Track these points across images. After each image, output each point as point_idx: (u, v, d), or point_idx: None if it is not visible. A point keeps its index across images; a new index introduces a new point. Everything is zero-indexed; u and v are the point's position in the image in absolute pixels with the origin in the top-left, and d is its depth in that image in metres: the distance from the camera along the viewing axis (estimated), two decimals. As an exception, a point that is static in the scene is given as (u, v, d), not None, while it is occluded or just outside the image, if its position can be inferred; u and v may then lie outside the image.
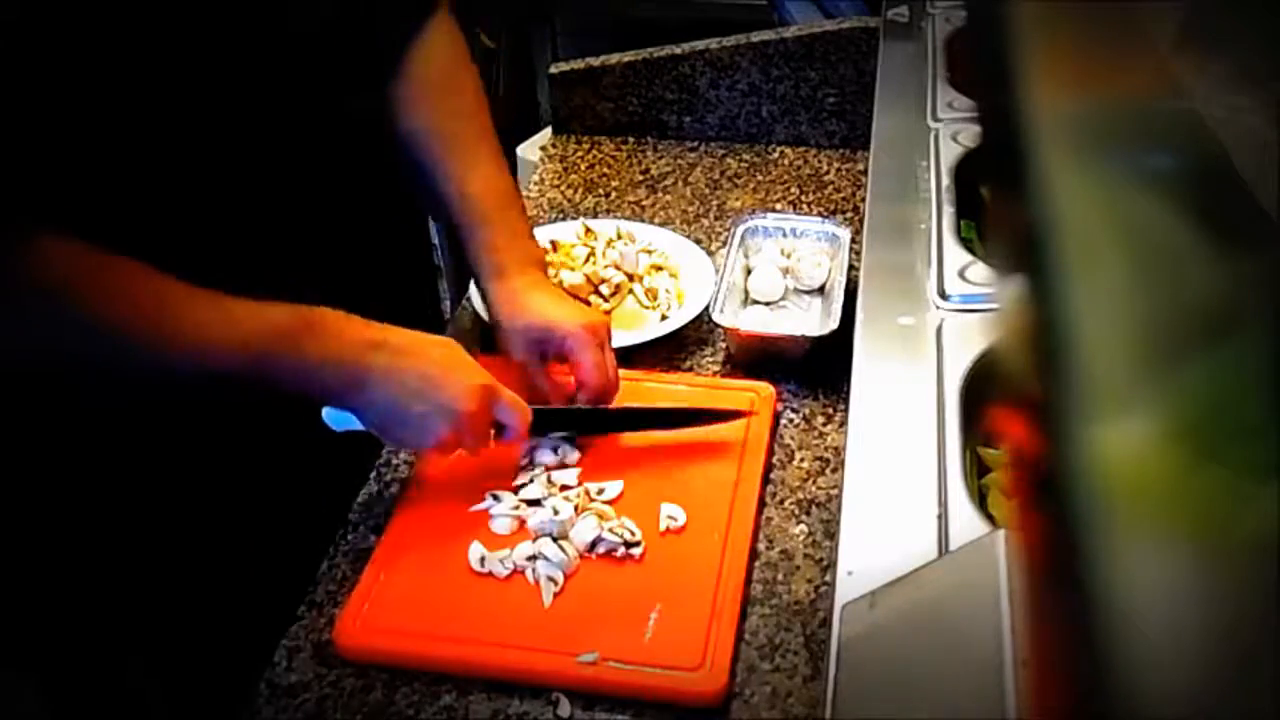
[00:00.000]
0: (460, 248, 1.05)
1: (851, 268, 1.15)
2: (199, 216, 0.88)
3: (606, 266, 1.19)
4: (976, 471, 0.85)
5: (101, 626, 0.97)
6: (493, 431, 0.94)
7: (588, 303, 1.17)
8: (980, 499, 0.82)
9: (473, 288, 1.21)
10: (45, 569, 0.97)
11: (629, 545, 0.91)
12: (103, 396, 0.89)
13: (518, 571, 0.90)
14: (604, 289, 1.17)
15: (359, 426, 0.90)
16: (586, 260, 1.20)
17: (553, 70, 1.56)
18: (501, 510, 0.95)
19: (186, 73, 0.82)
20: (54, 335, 0.80)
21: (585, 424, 1.01)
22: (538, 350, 1.01)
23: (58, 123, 0.78)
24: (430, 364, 0.88)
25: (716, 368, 1.14)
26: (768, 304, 1.20)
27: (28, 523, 0.95)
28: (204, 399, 0.87)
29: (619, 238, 1.24)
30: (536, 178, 1.49)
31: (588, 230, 1.26)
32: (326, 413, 0.91)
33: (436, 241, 2.33)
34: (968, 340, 0.91)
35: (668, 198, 1.42)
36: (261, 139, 0.90)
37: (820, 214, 1.35)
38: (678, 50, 1.51)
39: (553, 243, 1.25)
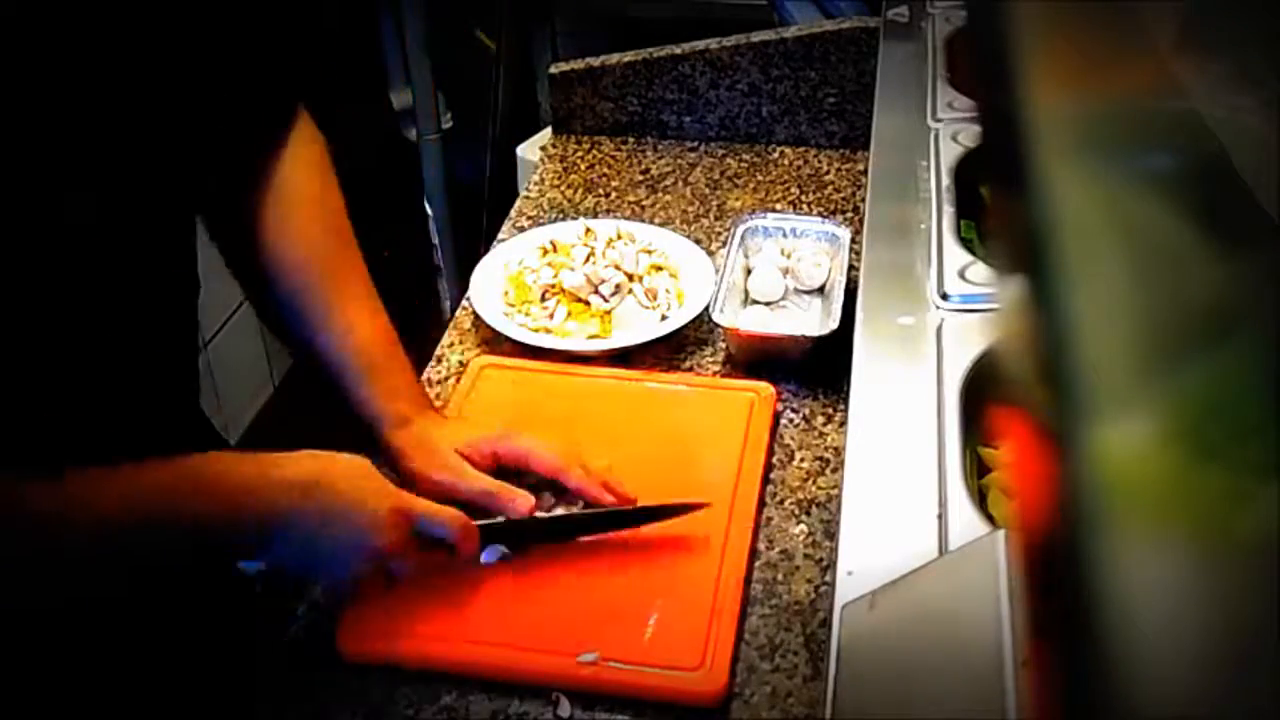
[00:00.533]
0: (337, 385, 0.93)
1: (851, 268, 1.15)
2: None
3: (606, 266, 1.19)
4: (976, 471, 0.85)
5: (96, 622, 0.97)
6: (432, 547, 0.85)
7: (587, 304, 1.17)
8: (980, 499, 0.82)
9: (478, 293, 1.21)
10: None
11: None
12: None
13: (516, 573, 0.90)
14: (604, 289, 1.17)
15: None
16: (586, 260, 1.20)
17: (553, 70, 1.56)
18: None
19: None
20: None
21: (534, 533, 0.92)
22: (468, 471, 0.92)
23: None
24: (334, 497, 0.79)
25: (716, 368, 1.14)
26: (768, 304, 1.20)
27: None
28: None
29: (619, 238, 1.24)
30: (536, 178, 1.49)
31: (588, 230, 1.26)
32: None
33: (437, 242, 2.33)
34: (968, 340, 0.91)
35: (668, 198, 1.42)
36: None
37: (820, 214, 1.35)
38: (678, 50, 1.51)
39: (552, 243, 1.25)
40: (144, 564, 0.77)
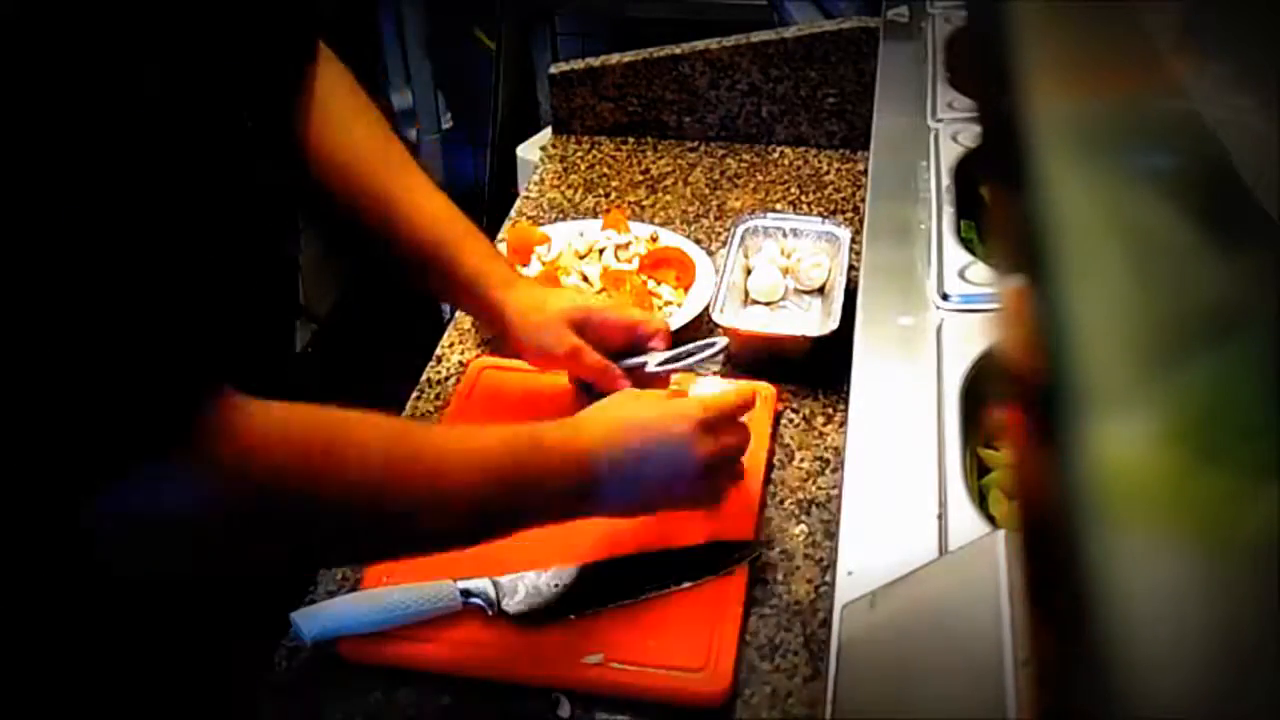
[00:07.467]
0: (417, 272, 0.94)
1: (851, 268, 1.15)
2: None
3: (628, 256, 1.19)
4: (976, 471, 0.85)
5: (93, 621, 0.97)
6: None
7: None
8: (980, 499, 0.82)
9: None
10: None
11: None
12: None
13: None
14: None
15: (332, 633, 0.84)
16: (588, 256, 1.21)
17: (553, 70, 1.56)
18: None
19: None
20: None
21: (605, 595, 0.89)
22: (578, 336, 0.96)
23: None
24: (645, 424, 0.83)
25: (717, 368, 1.14)
26: (768, 304, 1.20)
27: None
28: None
29: (653, 240, 1.25)
30: (536, 178, 1.49)
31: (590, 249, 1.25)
32: (295, 619, 0.84)
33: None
34: (968, 340, 0.91)
35: (668, 198, 1.42)
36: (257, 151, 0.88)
37: (820, 214, 1.35)
38: (678, 50, 1.51)
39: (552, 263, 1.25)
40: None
